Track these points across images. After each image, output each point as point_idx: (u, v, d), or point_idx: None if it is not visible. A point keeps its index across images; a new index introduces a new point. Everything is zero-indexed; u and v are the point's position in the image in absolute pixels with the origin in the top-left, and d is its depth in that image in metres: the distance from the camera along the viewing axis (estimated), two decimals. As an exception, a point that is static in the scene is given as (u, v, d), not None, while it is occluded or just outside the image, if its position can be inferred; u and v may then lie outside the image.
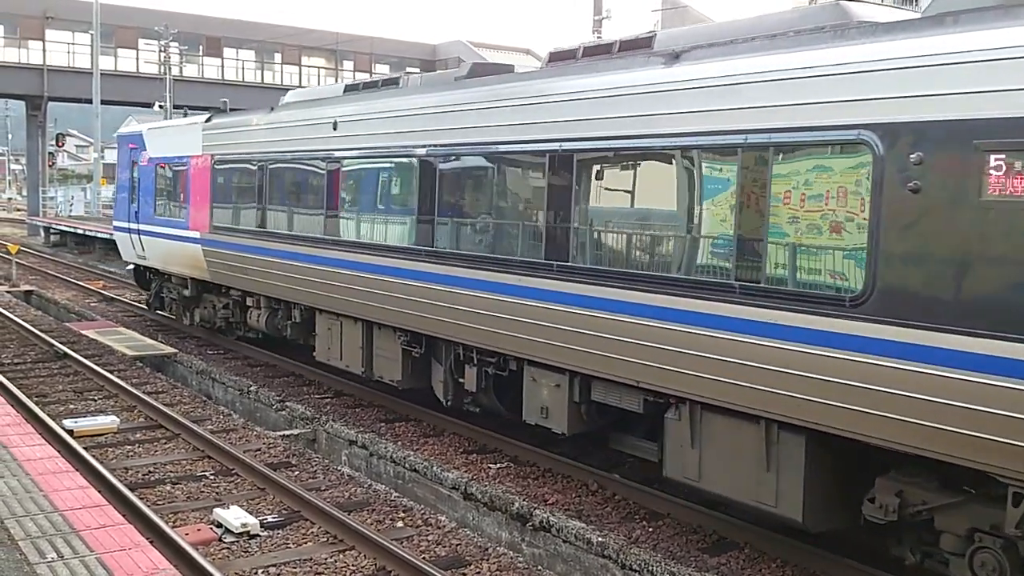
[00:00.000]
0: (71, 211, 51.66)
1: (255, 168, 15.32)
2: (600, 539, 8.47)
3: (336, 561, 8.31)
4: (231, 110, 18.38)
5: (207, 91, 49.21)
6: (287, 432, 12.78)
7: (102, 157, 50.56)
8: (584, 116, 8.97)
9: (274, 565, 8.19)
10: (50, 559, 6.51)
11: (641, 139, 8.38)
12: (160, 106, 46.20)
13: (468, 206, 10.87)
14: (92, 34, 45.69)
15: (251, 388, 14.77)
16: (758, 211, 7.34)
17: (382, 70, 55.25)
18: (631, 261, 8.62)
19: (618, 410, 9.28)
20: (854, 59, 6.65)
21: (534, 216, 9.73)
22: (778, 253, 7.19)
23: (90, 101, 46.27)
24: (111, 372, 15.06)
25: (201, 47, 52.11)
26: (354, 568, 8.18)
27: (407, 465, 10.93)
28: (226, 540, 8.69)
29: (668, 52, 8.48)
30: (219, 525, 8.92)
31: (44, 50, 47.50)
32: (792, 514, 7.50)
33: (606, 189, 9.05)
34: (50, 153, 51.59)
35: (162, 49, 47.53)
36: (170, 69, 47.43)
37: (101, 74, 45.91)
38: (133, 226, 20.21)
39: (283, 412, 13.65)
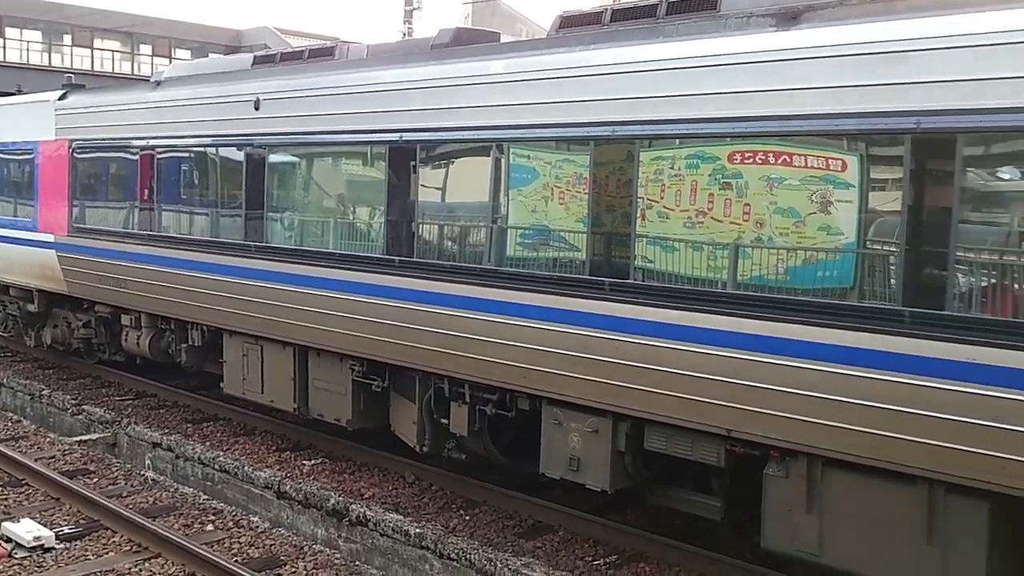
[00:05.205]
0: None
1: (136, 157, 12.58)
2: (418, 530, 8.46)
3: (141, 570, 7.94)
4: (77, 86, 14.89)
5: (-14, 73, 45.69)
6: (84, 437, 12.06)
7: None
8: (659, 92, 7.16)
9: (72, 579, 7.74)
10: None
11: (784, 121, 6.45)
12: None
13: (465, 203, 8.84)
14: None
15: (43, 392, 13.82)
16: None
17: (183, 55, 52.84)
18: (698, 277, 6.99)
19: (671, 460, 7.67)
20: None
21: (511, 215, 8.11)
22: None
23: None
24: None
25: (-21, 26, 48.23)
26: (161, 575, 7.84)
27: (216, 466, 10.54)
28: (17, 556, 8.13)
29: (776, 12, 6.81)
30: (9, 540, 8.32)
31: None
32: None
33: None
34: None
35: (-67, 26, 43.68)
36: (-58, 48, 43.65)
37: None
38: None
39: (80, 416, 12.85)
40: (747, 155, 6.71)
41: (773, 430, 6.63)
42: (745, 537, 7.94)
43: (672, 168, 7.13)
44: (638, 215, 7.32)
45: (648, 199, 7.27)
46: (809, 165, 6.40)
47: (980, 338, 5.68)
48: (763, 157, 6.62)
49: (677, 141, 7.15)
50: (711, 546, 8.18)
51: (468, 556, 7.98)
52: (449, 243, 8.95)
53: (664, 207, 7.19)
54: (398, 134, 9.17)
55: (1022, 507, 5.78)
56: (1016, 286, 5.66)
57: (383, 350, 9.42)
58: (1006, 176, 5.83)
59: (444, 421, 9.26)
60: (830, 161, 6.31)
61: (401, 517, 8.88)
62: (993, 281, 5.77)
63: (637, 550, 8.37)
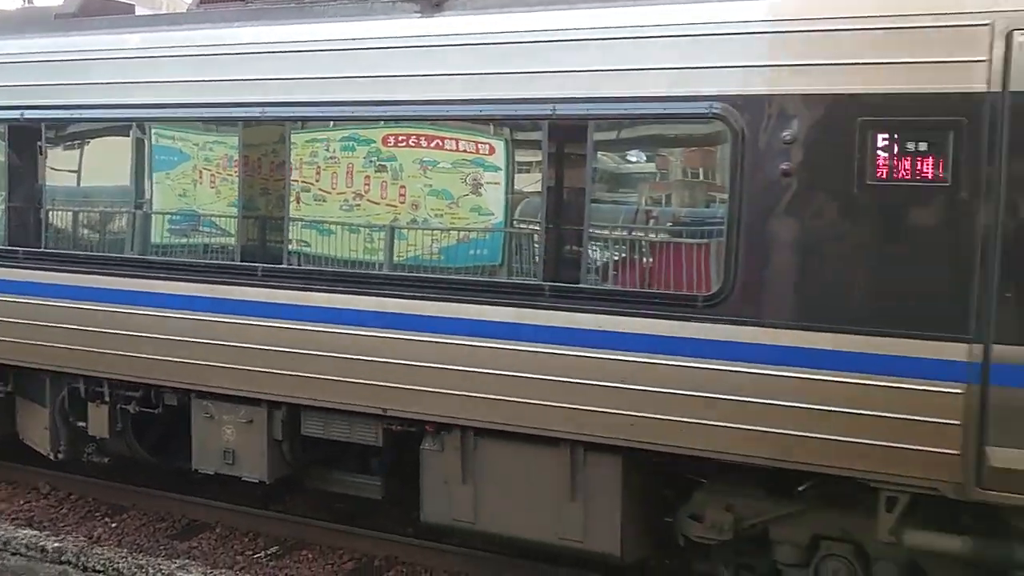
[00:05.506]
0: None
1: None
2: (56, 544, 7.86)
3: None
4: None
5: None
6: None
7: None
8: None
9: None
10: None
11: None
12: None
13: (103, 187, 8.30)
14: None
15: None
16: None
17: None
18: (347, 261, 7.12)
19: (330, 444, 7.67)
20: None
21: (156, 199, 7.80)
22: None
23: None
24: None
25: None
26: None
27: None
28: None
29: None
30: None
31: None
32: (608, 547, 6.61)
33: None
34: None
35: None
36: None
37: None
38: None
39: None
40: (401, 138, 6.87)
41: (427, 406, 6.84)
42: (406, 513, 8.15)
43: (327, 151, 7.12)
44: (292, 198, 7.24)
45: (303, 182, 7.20)
46: (461, 149, 6.69)
47: (604, 307, 6.23)
48: (416, 140, 6.82)
49: (331, 123, 7.15)
50: (374, 525, 8.32)
51: (115, 565, 7.54)
52: (85, 231, 8.34)
53: (320, 190, 7.16)
54: (19, 111, 8.38)
55: (647, 459, 6.46)
56: (643, 259, 6.31)
57: (4, 352, 8.58)
58: (632, 159, 6.51)
59: (81, 424, 8.64)
60: (479, 145, 6.64)
61: (36, 532, 8.25)
62: (622, 255, 6.39)
63: (299, 538, 8.29)
